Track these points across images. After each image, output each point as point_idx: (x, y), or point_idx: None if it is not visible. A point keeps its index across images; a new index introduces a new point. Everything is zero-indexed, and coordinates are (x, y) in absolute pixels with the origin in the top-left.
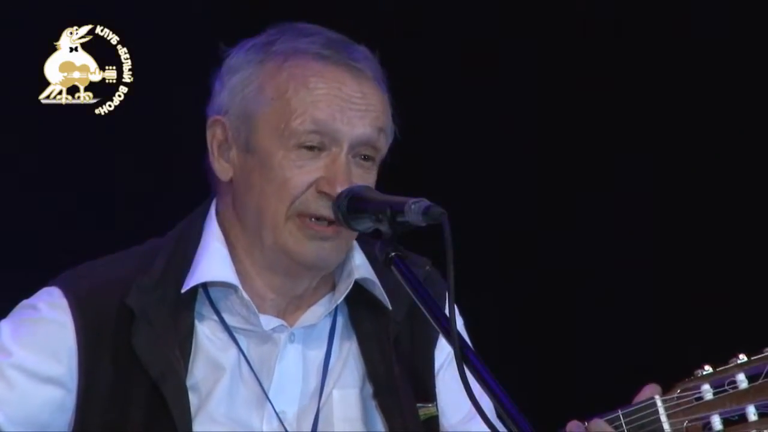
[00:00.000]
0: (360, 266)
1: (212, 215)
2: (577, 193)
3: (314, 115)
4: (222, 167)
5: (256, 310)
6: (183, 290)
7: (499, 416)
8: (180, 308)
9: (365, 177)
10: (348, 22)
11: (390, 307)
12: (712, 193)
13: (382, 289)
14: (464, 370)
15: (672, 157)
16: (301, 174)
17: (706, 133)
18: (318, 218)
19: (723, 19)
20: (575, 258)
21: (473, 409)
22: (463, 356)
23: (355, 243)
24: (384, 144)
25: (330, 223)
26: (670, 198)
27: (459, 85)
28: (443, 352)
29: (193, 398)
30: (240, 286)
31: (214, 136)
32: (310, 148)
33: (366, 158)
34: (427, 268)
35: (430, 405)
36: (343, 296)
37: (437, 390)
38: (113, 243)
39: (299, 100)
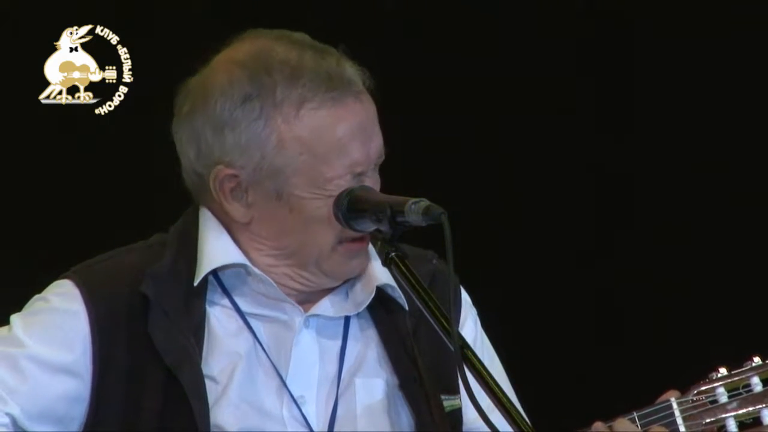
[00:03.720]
0: (380, 272)
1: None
2: (577, 193)
3: (346, 162)
4: (237, 210)
5: (273, 282)
6: (195, 283)
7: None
8: (192, 297)
9: (377, 180)
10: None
11: (407, 308)
12: (725, 192)
13: (401, 292)
14: (464, 370)
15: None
16: None
17: (709, 132)
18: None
19: None
20: (576, 258)
21: (491, 405)
22: (463, 355)
23: (371, 246)
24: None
25: (362, 237)
26: (681, 198)
27: (457, 84)
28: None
29: (210, 385)
30: (249, 264)
31: (222, 185)
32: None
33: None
34: (434, 261)
35: (454, 397)
36: (365, 305)
37: None
38: (113, 243)
39: (329, 151)
